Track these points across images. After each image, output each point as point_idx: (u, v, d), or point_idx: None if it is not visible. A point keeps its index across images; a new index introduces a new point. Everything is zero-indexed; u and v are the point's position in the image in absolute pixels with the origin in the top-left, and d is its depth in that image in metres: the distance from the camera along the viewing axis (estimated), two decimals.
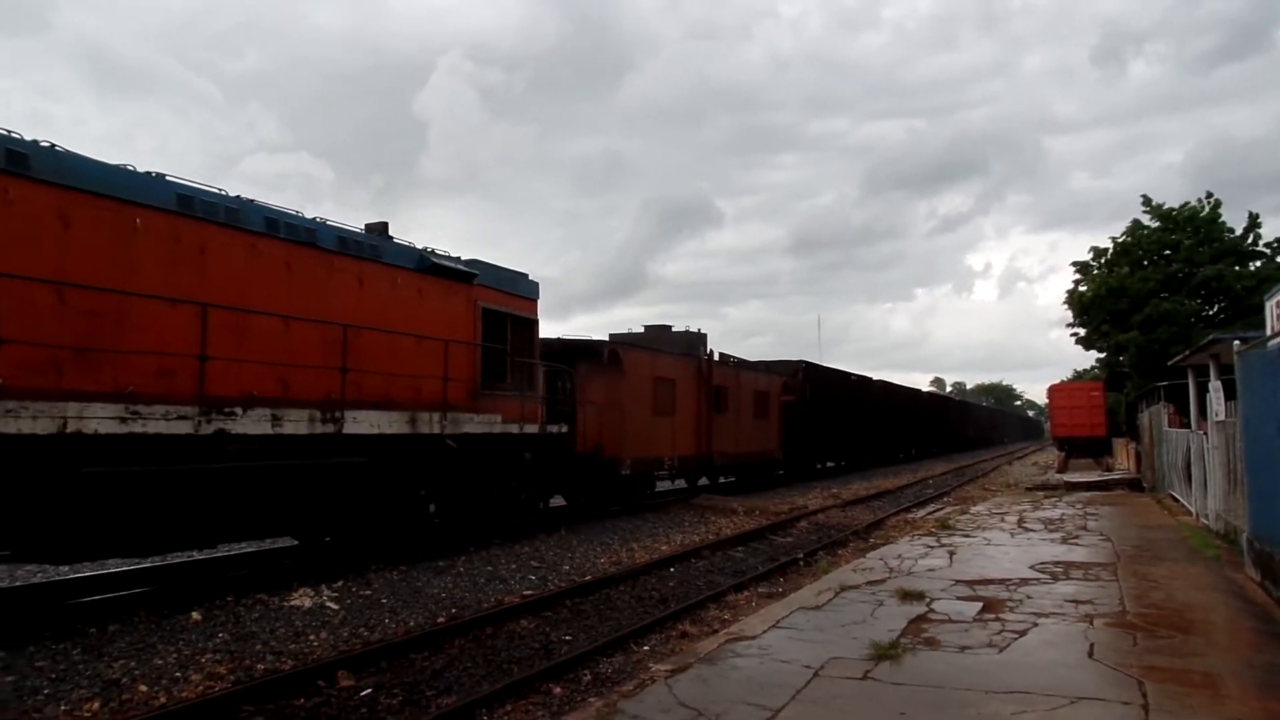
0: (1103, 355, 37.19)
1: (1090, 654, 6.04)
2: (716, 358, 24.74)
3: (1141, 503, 17.81)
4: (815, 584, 9.14)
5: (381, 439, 10.89)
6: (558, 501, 17.55)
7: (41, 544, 7.73)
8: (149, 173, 8.80)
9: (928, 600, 7.90)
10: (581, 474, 16.80)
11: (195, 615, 8.38)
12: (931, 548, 11.42)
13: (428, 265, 12.18)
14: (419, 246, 12.33)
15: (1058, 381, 50.33)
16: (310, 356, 10.09)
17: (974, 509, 17.43)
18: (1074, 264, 35.01)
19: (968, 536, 12.54)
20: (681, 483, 23.62)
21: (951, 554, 10.80)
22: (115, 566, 11.63)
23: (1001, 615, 7.29)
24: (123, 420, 7.84)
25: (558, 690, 6.71)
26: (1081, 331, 35.28)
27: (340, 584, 9.97)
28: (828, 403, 31.71)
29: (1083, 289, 33.42)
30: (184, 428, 8.41)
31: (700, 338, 23.81)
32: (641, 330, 24.14)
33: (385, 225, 12.16)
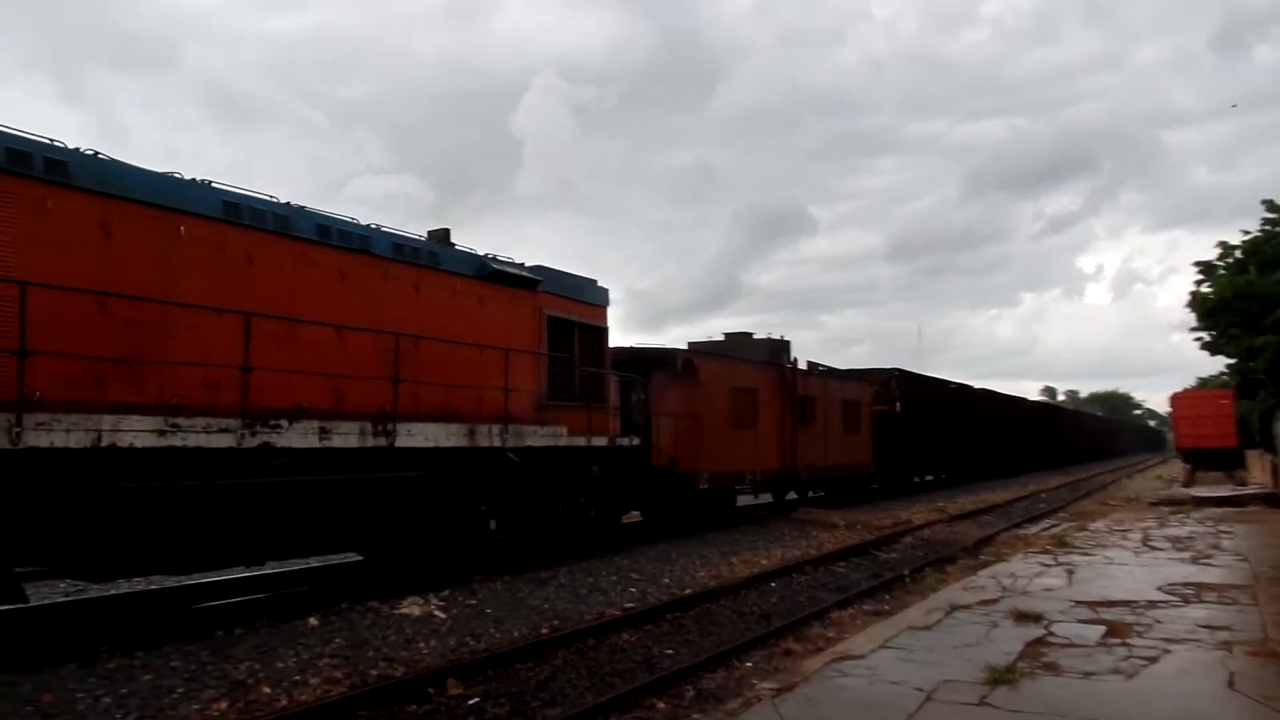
0: (1233, 361, 34.76)
1: (1231, 685, 5.64)
2: (802, 366, 23.97)
3: None
4: (924, 602, 8.85)
5: (438, 452, 10.49)
6: (633, 517, 17.18)
7: (79, 559, 7.54)
8: (194, 179, 8.62)
9: (1045, 622, 7.53)
10: (656, 489, 16.17)
11: (313, 621, 8.73)
12: (1048, 566, 10.91)
13: (489, 272, 11.77)
14: (480, 253, 11.98)
15: (1181, 389, 47.69)
16: (364, 367, 9.82)
17: (1092, 525, 16.58)
18: (1196, 264, 32.78)
19: (1087, 555, 11.92)
20: (766, 497, 22.65)
21: (1070, 573, 10.28)
22: (237, 573, 12.24)
23: (1128, 640, 6.89)
24: (161, 434, 7.60)
25: (661, 705, 6.68)
26: (1207, 335, 33.09)
27: (447, 593, 10.22)
28: (924, 413, 30.22)
29: (1207, 290, 31.34)
30: (225, 441, 8.10)
31: (783, 345, 22.54)
32: (722, 338, 23.15)
33: (447, 232, 11.82)
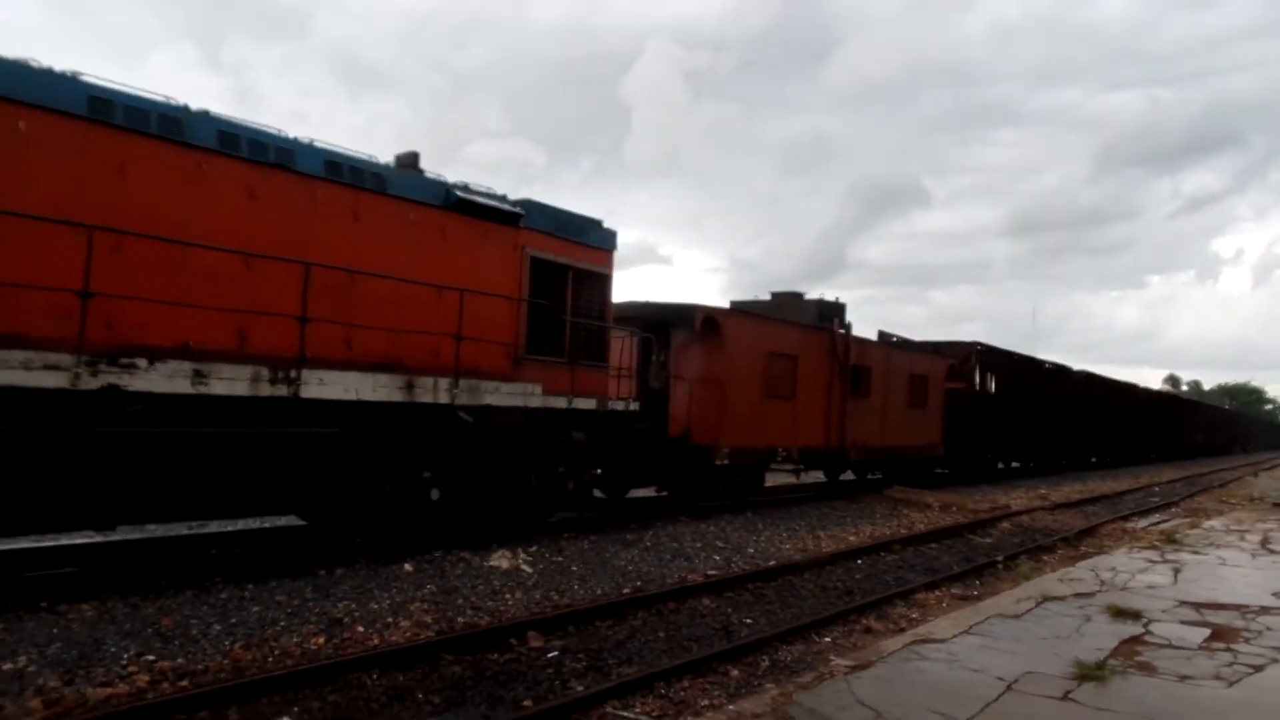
0: None
1: None
2: (857, 332, 22.39)
3: None
4: (1014, 590, 8.60)
5: (363, 407, 8.98)
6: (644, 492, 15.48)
7: None
8: (53, 69, 7.24)
9: (1144, 620, 7.22)
10: (667, 461, 14.26)
11: (408, 567, 9.14)
12: (1153, 562, 10.41)
13: (454, 201, 10.23)
14: (450, 180, 10.42)
15: None
16: (278, 305, 8.37)
17: (1207, 523, 15.68)
18: None
19: (1197, 553, 11.31)
20: (816, 475, 20.57)
21: (1176, 571, 9.79)
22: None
23: (1233, 645, 6.54)
24: None
25: (735, 672, 6.74)
26: None
27: (535, 549, 10.51)
28: (1010, 393, 27.70)
29: None
30: (53, 380, 6.67)
31: (836, 308, 19.73)
32: (768, 298, 20.40)
33: (415, 156, 10.33)
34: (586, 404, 11.85)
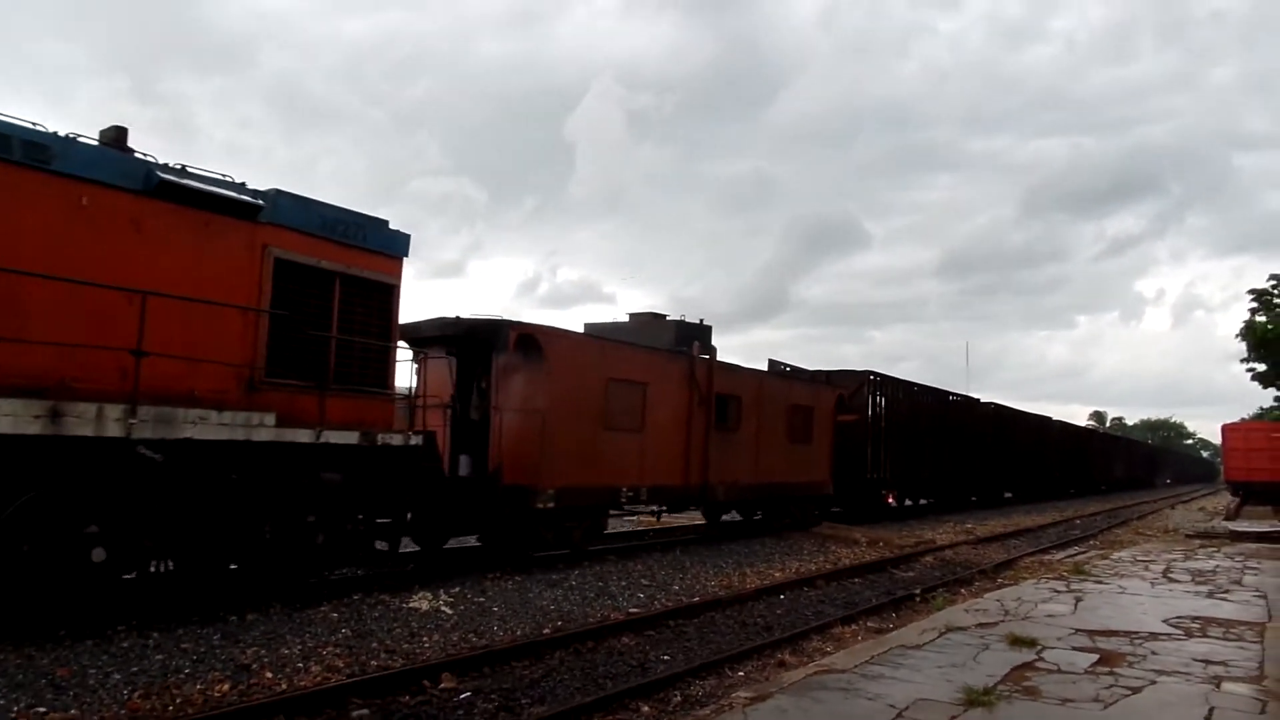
0: None
1: (1207, 719, 5.62)
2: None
3: None
4: (921, 621, 8.87)
5: None
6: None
7: None
8: None
9: (1039, 648, 7.52)
10: (484, 505, 12.16)
11: (324, 609, 9.05)
12: (1058, 592, 10.82)
13: (156, 184, 8.27)
14: (158, 160, 8.49)
15: (1235, 420, 46.41)
16: None
17: (1116, 554, 16.30)
18: (1251, 292, 32.16)
19: (1101, 583, 11.78)
20: (694, 516, 19.62)
21: (1078, 600, 10.19)
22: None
23: (1117, 669, 6.86)
24: None
25: (646, 709, 6.85)
26: (1260, 367, 32.30)
27: (457, 589, 10.49)
28: (908, 426, 26.07)
29: (1261, 319, 30.63)
30: None
31: (699, 330, 17.65)
32: (626, 319, 18.30)
33: (121, 132, 8.49)
34: (345, 438, 9.63)
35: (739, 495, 18.09)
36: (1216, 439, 43.54)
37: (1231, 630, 8.64)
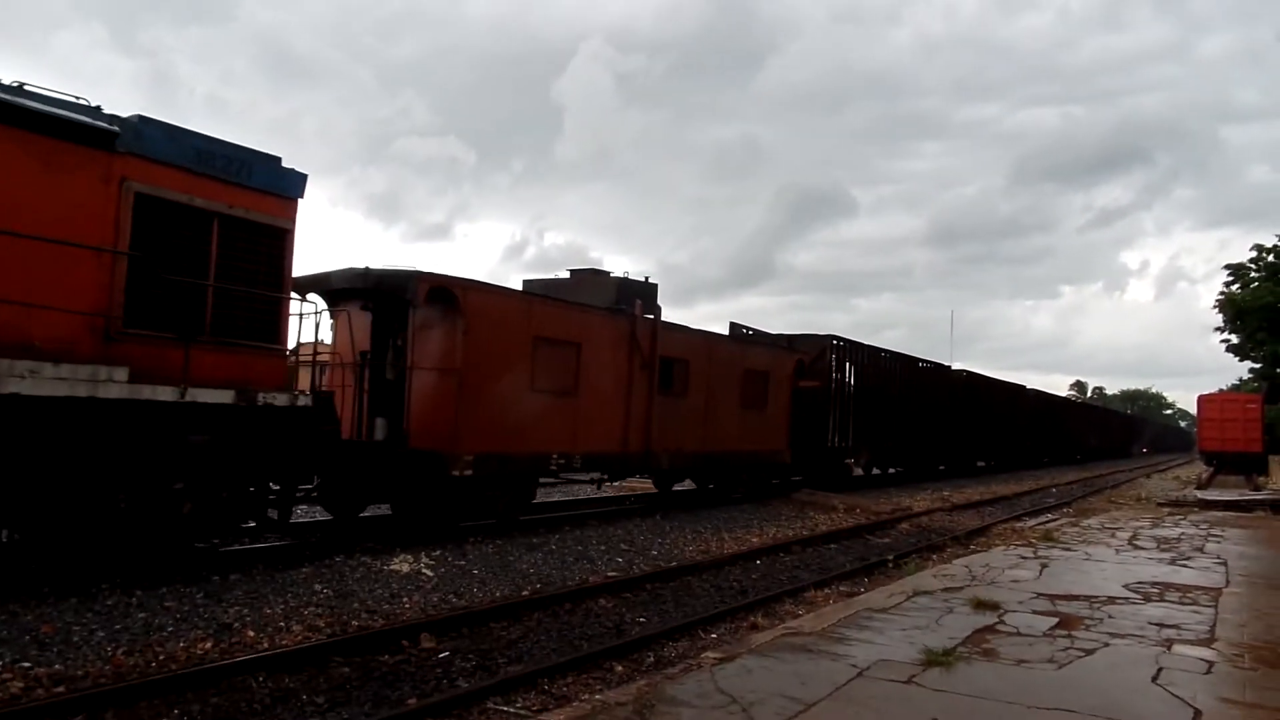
0: (1258, 365, 34.41)
1: (1154, 679, 5.86)
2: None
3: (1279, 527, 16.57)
4: (890, 586, 9.11)
5: None
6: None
7: None
8: None
9: (1000, 611, 7.77)
10: (396, 472, 11.62)
11: (306, 571, 9.21)
12: (1025, 559, 11.10)
13: None
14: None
15: (1212, 391, 47.12)
16: None
17: (1085, 522, 16.68)
18: (1228, 266, 32.53)
19: (1068, 550, 12.09)
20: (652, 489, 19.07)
21: (1044, 566, 10.47)
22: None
23: (1074, 632, 7.11)
24: None
25: (619, 668, 7.06)
26: (1234, 339, 32.76)
27: (438, 553, 10.66)
28: (873, 392, 25.27)
29: (1237, 291, 31.01)
30: None
31: (643, 289, 16.30)
32: (566, 276, 16.93)
33: None
34: (218, 396, 8.71)
35: (686, 463, 17.37)
36: (1194, 410, 44.18)
37: (1188, 595, 8.93)
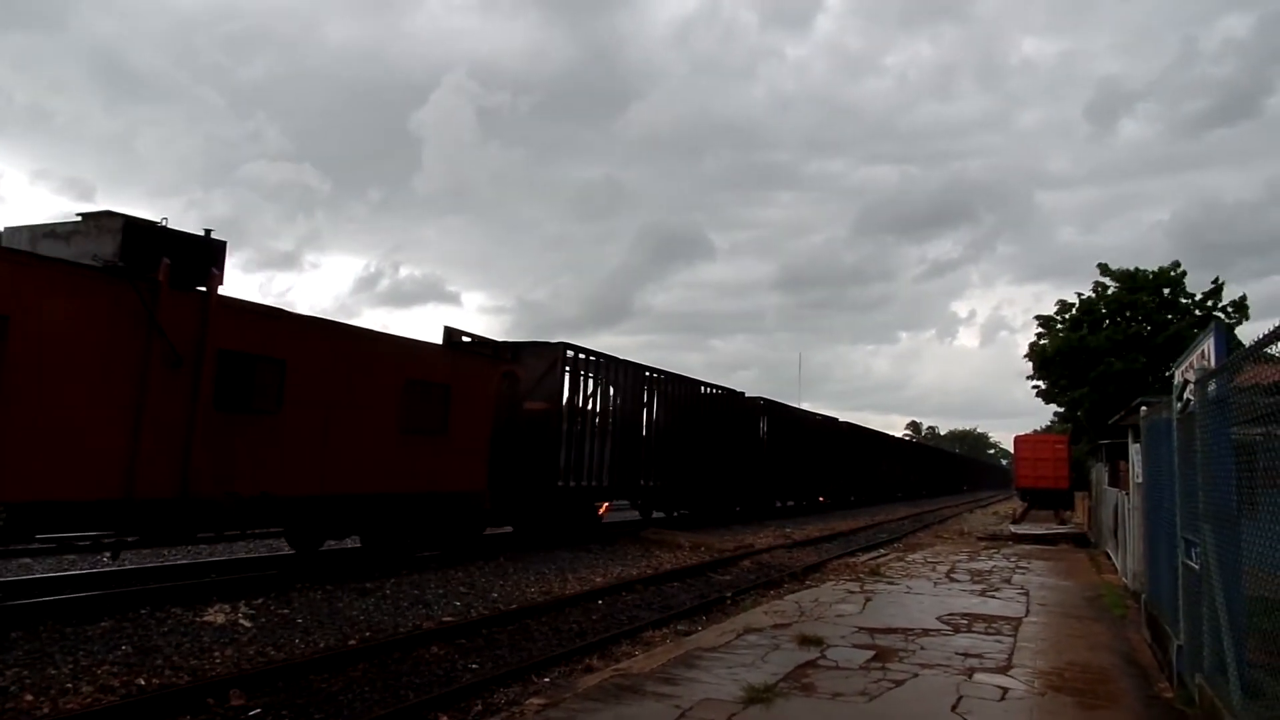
0: (1061, 409, 37.82)
1: (954, 707, 6.23)
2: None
3: (1078, 559, 18.09)
4: (724, 624, 9.30)
5: None
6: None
7: None
8: None
9: (824, 646, 8.08)
10: None
11: (104, 625, 8.45)
12: (852, 593, 11.61)
13: None
14: None
15: (1027, 432, 51.23)
16: None
17: (911, 556, 17.66)
18: (1037, 318, 35.74)
19: (892, 584, 12.74)
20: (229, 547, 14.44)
21: (868, 601, 10.99)
22: (40, 573, 11.65)
23: (888, 665, 7.48)
24: None
25: (444, 719, 6.82)
26: (1042, 384, 35.82)
27: (260, 601, 10.05)
28: (636, 420, 20.95)
29: (1044, 342, 34.06)
30: None
31: (195, 244, 10.72)
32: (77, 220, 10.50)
33: None
34: None
35: (274, 511, 11.80)
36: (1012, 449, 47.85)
37: (993, 625, 9.58)
